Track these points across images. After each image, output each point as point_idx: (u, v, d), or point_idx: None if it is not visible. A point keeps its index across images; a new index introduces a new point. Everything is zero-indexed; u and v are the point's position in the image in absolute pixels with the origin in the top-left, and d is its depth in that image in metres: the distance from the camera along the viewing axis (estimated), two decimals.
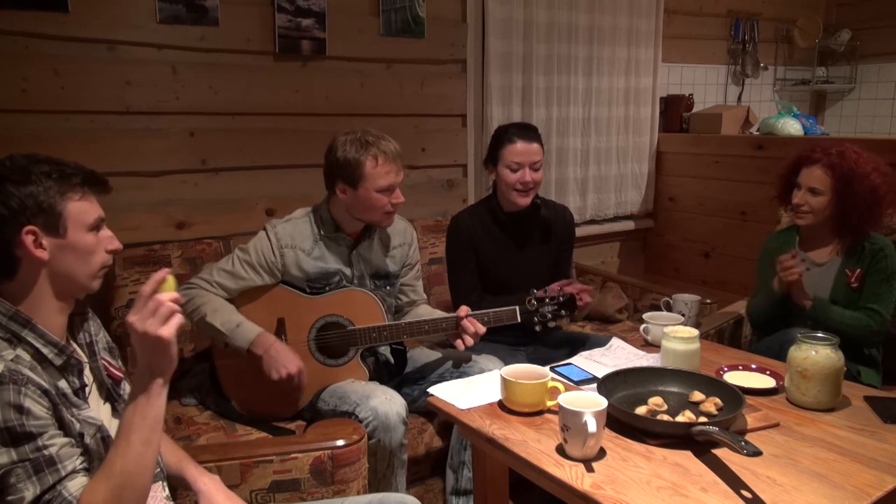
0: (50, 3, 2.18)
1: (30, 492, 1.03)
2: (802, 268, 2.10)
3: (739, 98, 4.27)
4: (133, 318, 1.06)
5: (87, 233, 1.18)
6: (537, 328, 2.01)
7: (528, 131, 2.32)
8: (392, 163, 2.00)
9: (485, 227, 2.37)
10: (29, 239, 1.12)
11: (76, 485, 1.06)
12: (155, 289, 1.07)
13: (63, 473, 1.06)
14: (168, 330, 1.06)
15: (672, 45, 3.82)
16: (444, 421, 2.11)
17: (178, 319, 1.08)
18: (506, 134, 2.33)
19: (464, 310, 1.99)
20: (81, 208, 1.18)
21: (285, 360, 1.91)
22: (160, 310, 1.06)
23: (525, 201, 2.31)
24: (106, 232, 1.24)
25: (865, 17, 4.38)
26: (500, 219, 2.37)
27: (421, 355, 2.24)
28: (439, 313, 2.15)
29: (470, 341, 1.99)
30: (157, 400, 1.09)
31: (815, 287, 2.15)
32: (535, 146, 2.30)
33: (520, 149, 2.28)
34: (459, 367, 2.12)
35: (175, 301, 1.08)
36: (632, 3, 3.54)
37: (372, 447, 1.82)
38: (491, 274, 2.35)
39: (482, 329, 1.99)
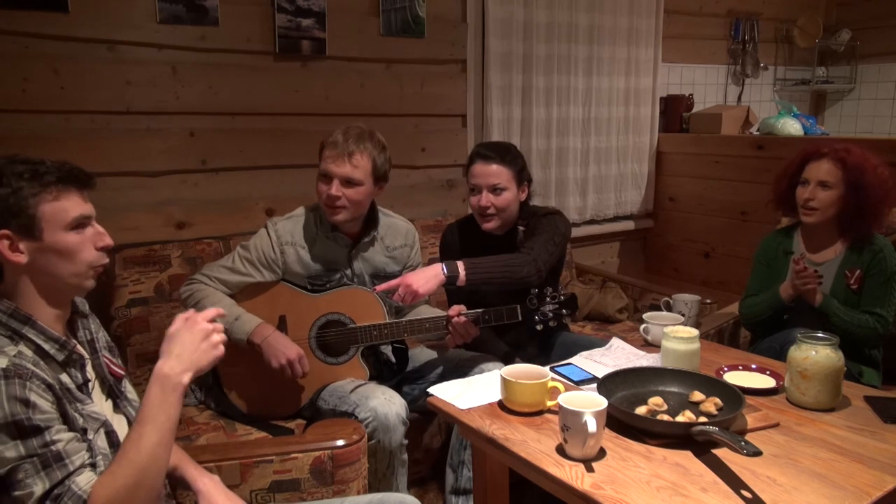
0: (50, 3, 2.18)
1: (38, 487, 1.03)
2: (816, 278, 2.09)
3: (739, 98, 4.27)
4: (207, 326, 1.16)
5: (66, 232, 1.15)
6: (538, 327, 1.99)
7: (489, 151, 2.18)
8: (333, 148, 1.97)
9: (468, 243, 2.28)
10: (3, 244, 1.10)
11: (85, 479, 1.07)
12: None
13: (71, 468, 1.06)
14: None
15: (672, 45, 3.82)
16: (445, 421, 2.11)
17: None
18: (470, 155, 2.24)
19: (455, 309, 1.98)
20: (57, 208, 1.13)
21: (284, 347, 1.92)
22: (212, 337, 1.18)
23: (488, 226, 2.18)
24: (94, 229, 1.20)
25: (865, 17, 4.38)
26: (481, 237, 2.25)
27: (422, 354, 2.24)
28: (439, 312, 2.14)
29: (459, 340, 1.98)
30: (176, 399, 1.12)
31: None
32: (494, 167, 2.13)
33: (476, 170, 2.16)
34: (460, 367, 2.11)
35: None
36: (632, 3, 3.54)
37: (372, 448, 1.82)
38: (470, 290, 2.16)
39: (473, 331, 1.98)
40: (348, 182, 1.97)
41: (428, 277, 1.92)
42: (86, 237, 1.18)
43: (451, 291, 2.25)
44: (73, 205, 1.16)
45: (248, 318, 1.95)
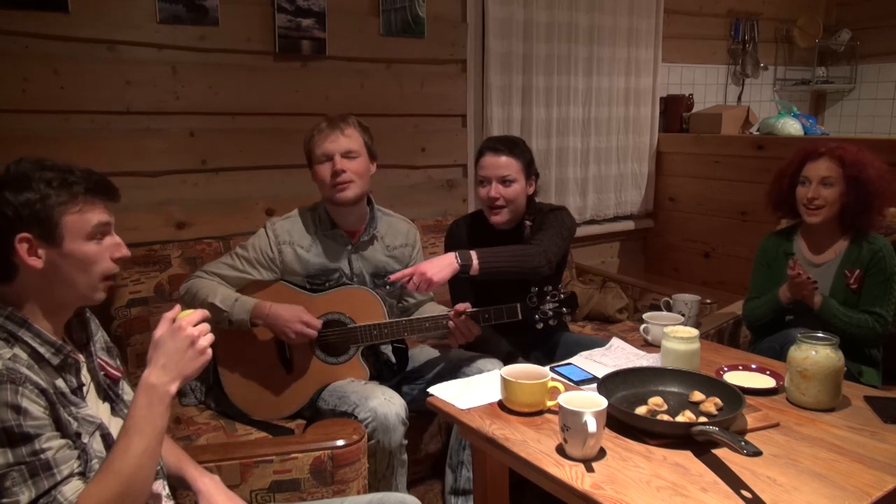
0: (50, 3, 2.18)
1: (25, 496, 1.02)
2: (811, 284, 2.08)
3: (739, 98, 4.27)
4: (192, 332, 1.13)
5: (85, 242, 1.15)
6: (539, 325, 1.99)
7: (498, 143, 2.21)
8: (324, 131, 2.02)
9: (475, 237, 2.29)
10: (23, 247, 1.10)
11: (72, 489, 1.06)
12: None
13: (59, 478, 1.05)
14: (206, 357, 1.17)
15: (672, 45, 3.83)
16: (444, 421, 2.11)
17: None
18: (479, 148, 2.26)
19: (459, 307, 1.98)
20: (81, 219, 1.14)
21: (287, 319, 1.93)
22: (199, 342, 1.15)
23: (497, 219, 2.20)
24: (112, 239, 1.20)
25: (865, 17, 4.39)
26: (489, 232, 2.26)
27: (422, 354, 2.24)
28: (445, 310, 2.14)
29: (462, 340, 1.98)
30: (163, 409, 1.11)
31: None
32: (504, 159, 2.16)
33: (486, 162, 2.19)
34: (459, 367, 2.11)
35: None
36: (632, 3, 3.54)
37: (371, 448, 1.82)
38: (479, 285, 2.21)
39: (476, 329, 1.98)
40: (348, 154, 2.01)
41: (442, 266, 1.92)
42: (103, 247, 1.19)
43: (455, 288, 2.26)
44: (96, 214, 1.17)
45: (245, 298, 1.97)
